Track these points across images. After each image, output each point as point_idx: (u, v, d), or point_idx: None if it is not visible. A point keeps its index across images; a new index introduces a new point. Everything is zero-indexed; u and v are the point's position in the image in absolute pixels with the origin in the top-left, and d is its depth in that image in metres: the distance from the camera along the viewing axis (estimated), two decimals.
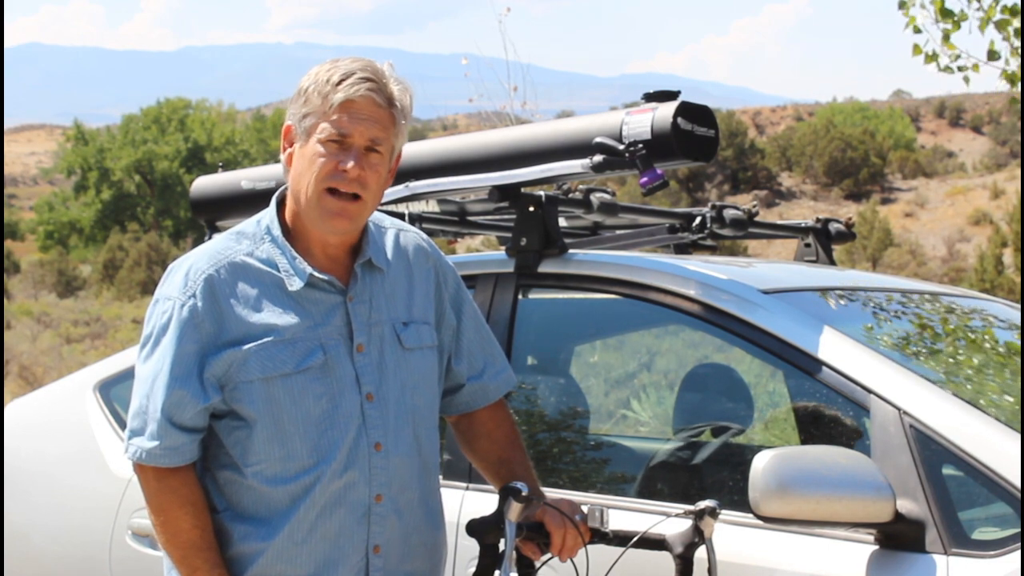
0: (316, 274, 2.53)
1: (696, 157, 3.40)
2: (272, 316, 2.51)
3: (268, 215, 2.60)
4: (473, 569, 2.62)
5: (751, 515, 2.78)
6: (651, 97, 3.46)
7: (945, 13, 8.05)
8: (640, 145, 3.33)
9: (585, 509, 2.64)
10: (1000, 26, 7.99)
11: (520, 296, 3.60)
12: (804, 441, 3.47)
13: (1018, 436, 2.81)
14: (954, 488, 2.82)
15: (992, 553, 2.69)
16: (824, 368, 3.06)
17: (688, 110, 3.37)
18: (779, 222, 4.61)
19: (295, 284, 2.52)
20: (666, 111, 3.35)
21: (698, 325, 3.39)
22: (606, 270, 3.50)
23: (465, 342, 2.75)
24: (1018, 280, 23.55)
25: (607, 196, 4.01)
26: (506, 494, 2.56)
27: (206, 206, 4.50)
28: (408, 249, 2.69)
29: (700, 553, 2.59)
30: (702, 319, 3.30)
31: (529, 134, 3.71)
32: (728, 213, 4.19)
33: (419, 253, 2.70)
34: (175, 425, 2.48)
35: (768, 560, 2.90)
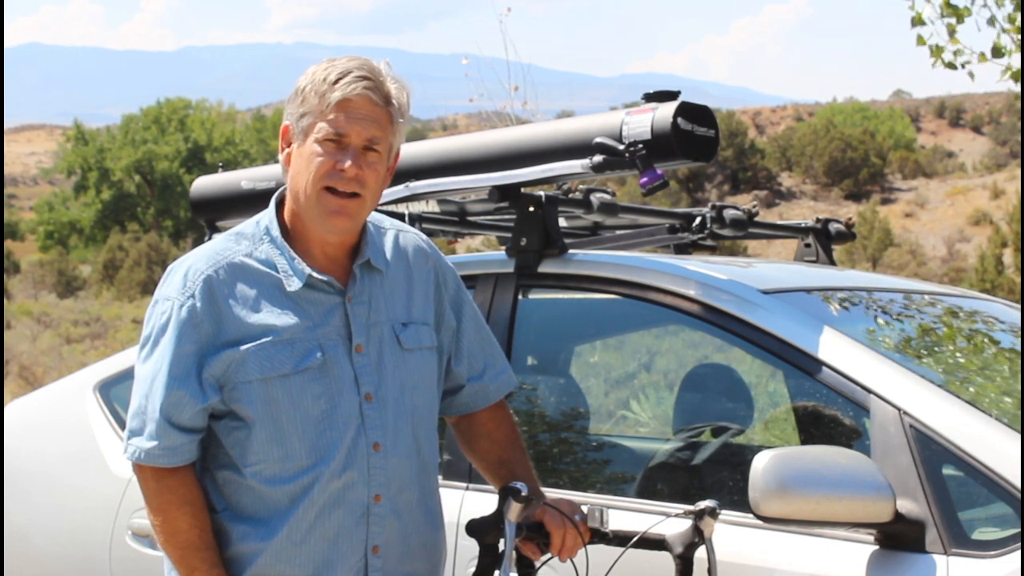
0: (315, 275, 2.53)
1: (696, 157, 3.40)
2: (271, 316, 2.50)
3: (267, 216, 2.60)
4: (473, 569, 2.62)
5: (751, 515, 2.78)
6: (651, 97, 3.46)
7: (950, 6, 8.05)
8: (640, 145, 3.33)
9: (585, 509, 2.64)
10: (1008, 20, 7.99)
11: (520, 296, 3.60)
12: (804, 441, 3.47)
13: (1018, 436, 2.81)
14: (954, 488, 2.82)
15: (992, 553, 2.69)
16: (824, 368, 3.06)
17: (688, 110, 3.37)
18: (779, 222, 4.61)
19: (294, 285, 2.52)
20: (666, 111, 3.35)
21: (698, 325, 3.39)
22: (606, 270, 3.50)
23: (465, 343, 2.74)
24: (1018, 280, 23.55)
25: (607, 196, 4.01)
26: (506, 494, 2.56)
27: (206, 206, 4.50)
28: (408, 250, 2.69)
29: (700, 553, 2.59)
30: (702, 319, 3.30)
31: (529, 134, 3.71)
32: (728, 213, 4.19)
33: (419, 254, 2.70)
34: (174, 425, 2.48)
35: (768, 560, 2.90)
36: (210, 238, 4.37)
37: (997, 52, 8.12)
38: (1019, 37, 8.00)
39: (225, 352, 2.48)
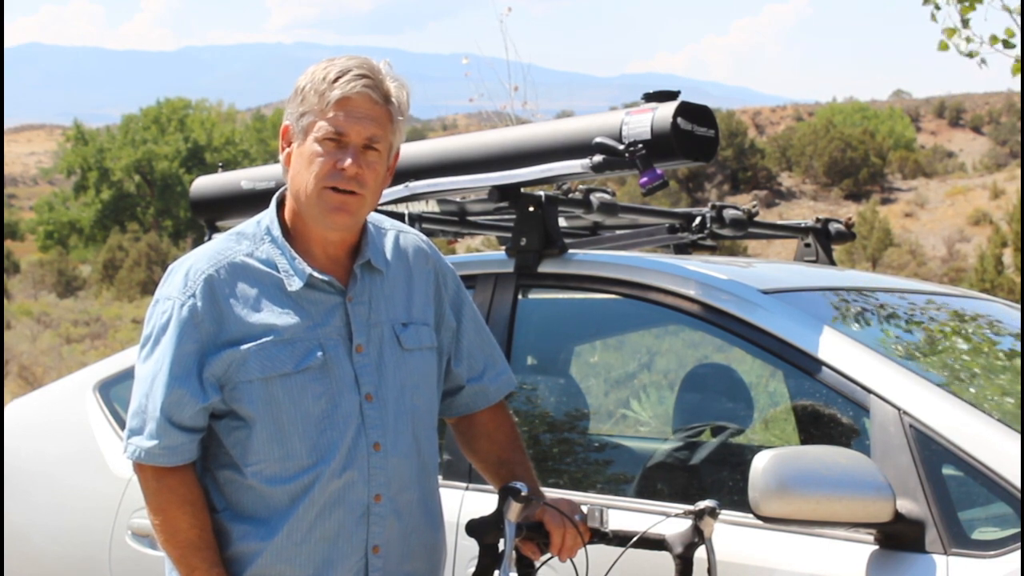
0: (315, 274, 2.53)
1: (696, 157, 3.40)
2: (271, 316, 2.50)
3: (268, 216, 2.60)
4: (473, 569, 2.62)
5: (751, 515, 2.78)
6: (651, 97, 3.46)
7: None
8: (640, 145, 3.33)
9: (585, 509, 2.64)
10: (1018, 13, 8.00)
11: (520, 296, 3.59)
12: (804, 441, 3.47)
13: (1018, 436, 2.81)
14: (954, 488, 2.82)
15: (992, 553, 2.69)
16: (824, 368, 3.06)
17: (688, 110, 3.37)
18: (779, 222, 4.61)
19: (294, 284, 2.52)
20: (666, 111, 3.35)
21: (698, 325, 3.39)
22: (606, 270, 3.50)
23: (465, 343, 2.75)
24: (1018, 280, 23.55)
25: (607, 196, 4.00)
26: (506, 494, 2.56)
27: (206, 206, 4.50)
28: (408, 251, 2.69)
29: (700, 553, 2.59)
30: (702, 319, 3.30)
31: (529, 134, 3.71)
32: (728, 213, 4.19)
33: (419, 255, 2.70)
34: (174, 424, 2.48)
35: (768, 560, 2.90)
36: (210, 238, 4.38)
37: (1007, 43, 8.13)
38: (1020, 30, 8.01)
39: (226, 352, 2.48)
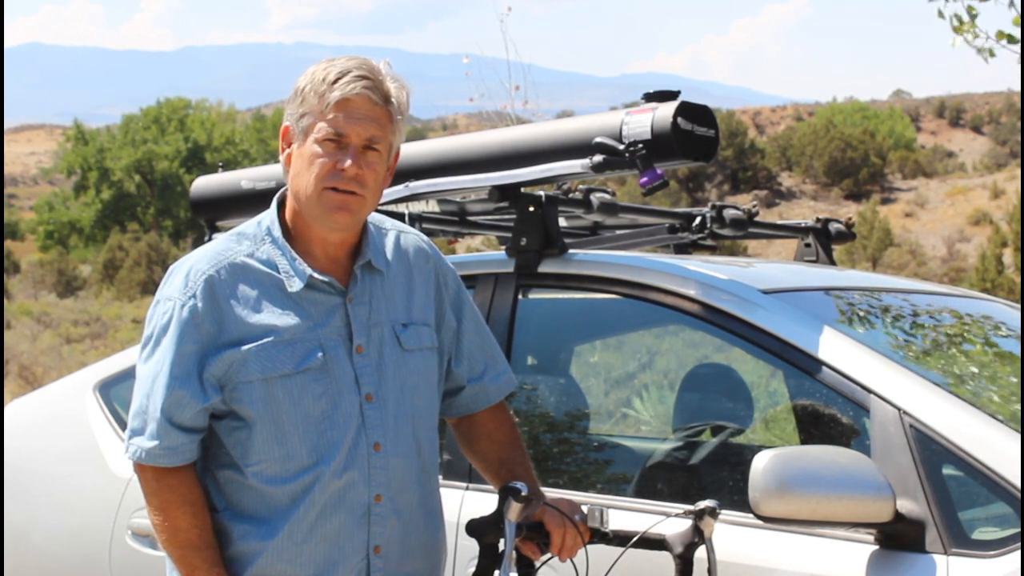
0: (316, 275, 2.53)
1: (696, 157, 3.39)
2: (272, 317, 2.51)
3: (269, 216, 2.60)
4: (473, 569, 2.62)
5: (751, 515, 2.78)
6: (651, 97, 3.46)
7: None
8: (640, 145, 3.33)
9: (585, 509, 2.64)
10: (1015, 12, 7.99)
11: (520, 296, 3.59)
12: (804, 441, 3.47)
13: (1018, 436, 2.81)
14: (954, 488, 2.82)
15: (992, 553, 2.69)
16: (824, 368, 3.06)
17: (688, 110, 3.37)
18: (779, 222, 4.61)
19: (295, 285, 2.52)
20: (666, 111, 3.35)
21: (698, 325, 3.39)
22: (606, 270, 3.50)
23: (466, 344, 2.75)
24: (1018, 280, 23.54)
25: (607, 196, 4.00)
26: (506, 494, 2.56)
27: (206, 206, 4.50)
28: (408, 251, 2.69)
29: (700, 553, 2.59)
30: (702, 319, 3.30)
31: (529, 134, 3.71)
32: (728, 213, 4.19)
33: (419, 255, 2.70)
34: (175, 425, 2.48)
35: (768, 560, 2.90)
36: (210, 238, 4.38)
37: (1012, 39, 8.12)
38: (1022, 25, 8.00)
39: (226, 352, 2.48)
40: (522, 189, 3.66)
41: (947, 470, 2.85)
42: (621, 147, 3.36)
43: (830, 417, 3.18)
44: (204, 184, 4.55)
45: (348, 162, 2.48)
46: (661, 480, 3.64)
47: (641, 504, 3.21)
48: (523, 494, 2.55)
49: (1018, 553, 2.66)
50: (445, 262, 2.76)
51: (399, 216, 3.93)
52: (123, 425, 3.98)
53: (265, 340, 2.49)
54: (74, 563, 3.98)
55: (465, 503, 3.28)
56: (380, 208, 3.89)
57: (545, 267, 3.57)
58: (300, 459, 2.50)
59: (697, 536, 2.57)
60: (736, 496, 3.11)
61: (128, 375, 4.06)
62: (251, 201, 4.24)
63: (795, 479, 2.68)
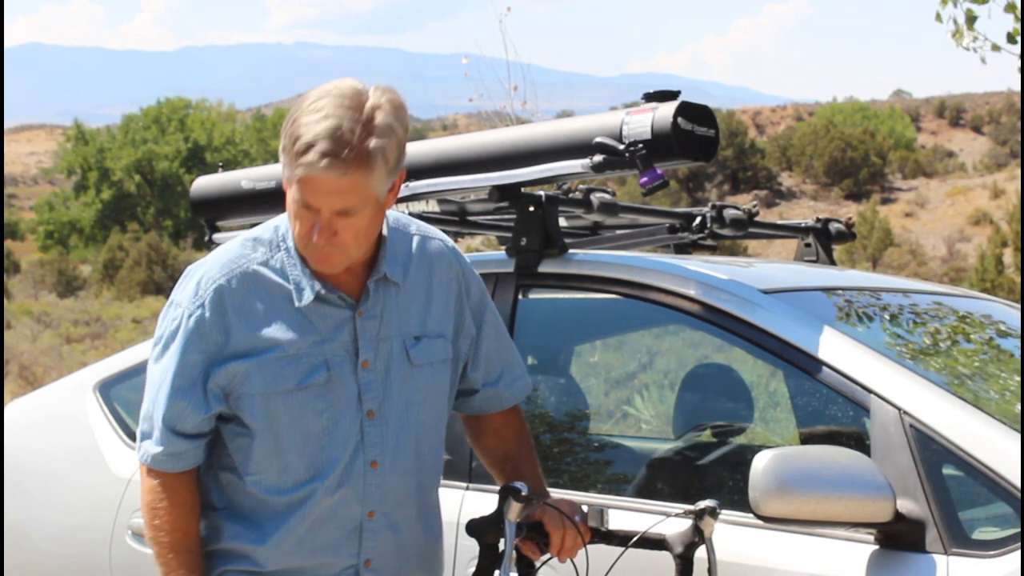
0: (323, 291, 2.49)
1: (696, 157, 3.39)
2: (278, 331, 2.49)
3: (286, 222, 2.55)
4: (473, 569, 2.62)
5: (751, 515, 2.78)
6: (651, 97, 3.46)
7: None
8: (640, 145, 3.33)
9: (585, 509, 2.64)
10: (1010, 8, 7.98)
11: (520, 296, 3.59)
12: (804, 441, 3.46)
13: (1018, 436, 2.81)
14: (954, 488, 2.82)
15: (992, 553, 2.69)
16: (824, 368, 3.06)
17: (688, 110, 3.36)
18: (779, 222, 4.60)
19: (304, 299, 2.49)
20: (666, 111, 3.35)
21: (698, 325, 3.39)
22: (606, 270, 3.49)
23: (483, 350, 2.71)
24: (1018, 280, 23.54)
25: (607, 196, 4.00)
26: (506, 494, 2.56)
27: (206, 206, 4.50)
28: (431, 258, 2.63)
29: (700, 553, 2.59)
30: (702, 319, 3.30)
31: (529, 134, 3.71)
32: (728, 213, 4.19)
33: (442, 262, 2.64)
34: (177, 433, 2.49)
35: (768, 560, 2.89)
36: (210, 238, 4.38)
37: (1011, 39, 8.11)
38: (1022, 26, 7.99)
39: (231, 364, 2.47)
40: (522, 189, 3.66)
41: (947, 470, 2.85)
42: (621, 147, 3.36)
43: (830, 417, 3.18)
44: (204, 184, 4.54)
45: (316, 237, 2.41)
46: (661, 480, 3.64)
47: (641, 504, 3.21)
48: (523, 494, 2.55)
49: (1018, 553, 2.66)
50: (469, 268, 2.70)
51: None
52: (123, 425, 3.98)
53: (269, 355, 2.47)
54: (74, 563, 3.98)
55: (465, 503, 3.28)
56: None
57: (545, 267, 3.57)
58: (297, 473, 2.50)
59: (697, 536, 2.57)
60: (736, 496, 3.10)
61: (128, 375, 4.06)
62: (251, 201, 4.24)
63: (795, 479, 2.68)
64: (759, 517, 2.74)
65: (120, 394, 4.08)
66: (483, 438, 2.79)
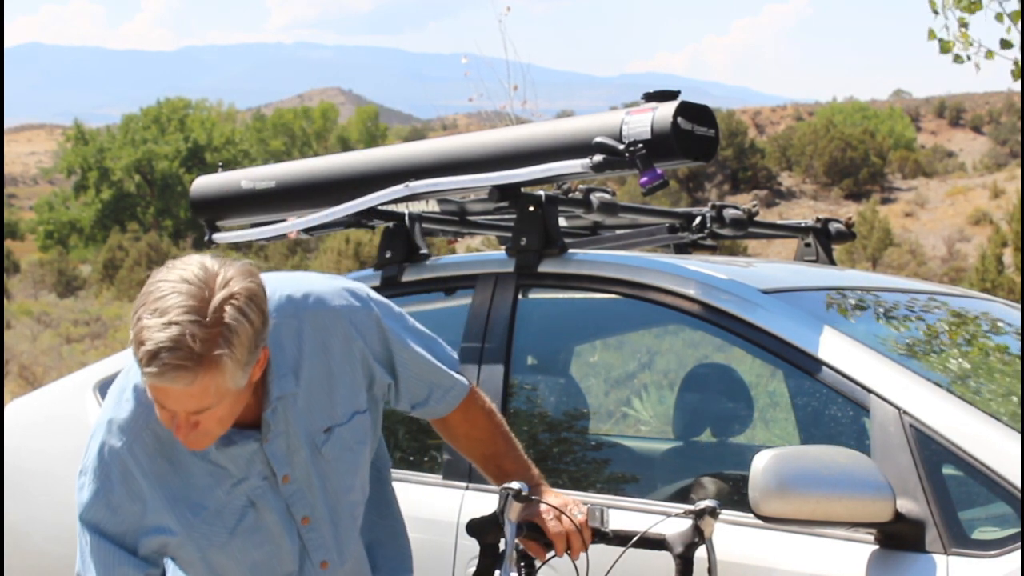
0: (222, 441, 2.41)
1: (696, 157, 3.39)
2: (194, 489, 2.44)
3: None
4: (473, 569, 2.62)
5: (751, 515, 2.78)
6: (651, 97, 3.46)
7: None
8: (640, 145, 3.32)
9: (585, 509, 2.64)
10: (1013, 18, 7.97)
11: (520, 296, 3.59)
12: (804, 441, 3.46)
13: (1018, 436, 2.81)
14: (954, 488, 2.82)
15: (992, 553, 2.69)
16: (824, 368, 3.06)
17: (688, 110, 3.36)
18: (779, 222, 4.60)
19: (208, 452, 2.42)
20: (666, 111, 3.35)
21: (698, 325, 3.39)
22: (606, 270, 3.49)
23: (404, 387, 2.65)
24: (1018, 280, 23.55)
25: (607, 196, 4.00)
26: (506, 494, 2.56)
27: (206, 206, 4.49)
28: (324, 338, 2.50)
29: (700, 553, 2.59)
30: (702, 319, 3.30)
31: (529, 134, 3.71)
32: (728, 213, 4.18)
33: (336, 337, 2.51)
34: None
35: (768, 560, 2.89)
36: (210, 238, 4.38)
37: (1005, 44, 8.09)
38: (1020, 32, 7.98)
39: (158, 536, 2.44)
40: (522, 189, 3.66)
41: (947, 470, 2.85)
42: (621, 147, 3.36)
43: (830, 417, 3.18)
44: (204, 184, 4.54)
45: (176, 432, 2.32)
46: (661, 480, 3.64)
47: (641, 504, 3.21)
48: (523, 494, 2.55)
49: (1018, 553, 2.66)
50: (368, 324, 2.55)
51: (399, 216, 3.93)
52: None
53: (194, 519, 2.44)
54: (74, 563, 3.97)
55: (465, 503, 3.28)
56: (380, 208, 3.89)
57: (545, 267, 3.57)
58: None
59: (697, 536, 2.57)
60: (736, 496, 3.10)
61: None
62: (251, 201, 4.24)
63: (795, 479, 2.68)
64: (759, 517, 2.74)
65: None
66: (457, 443, 2.78)
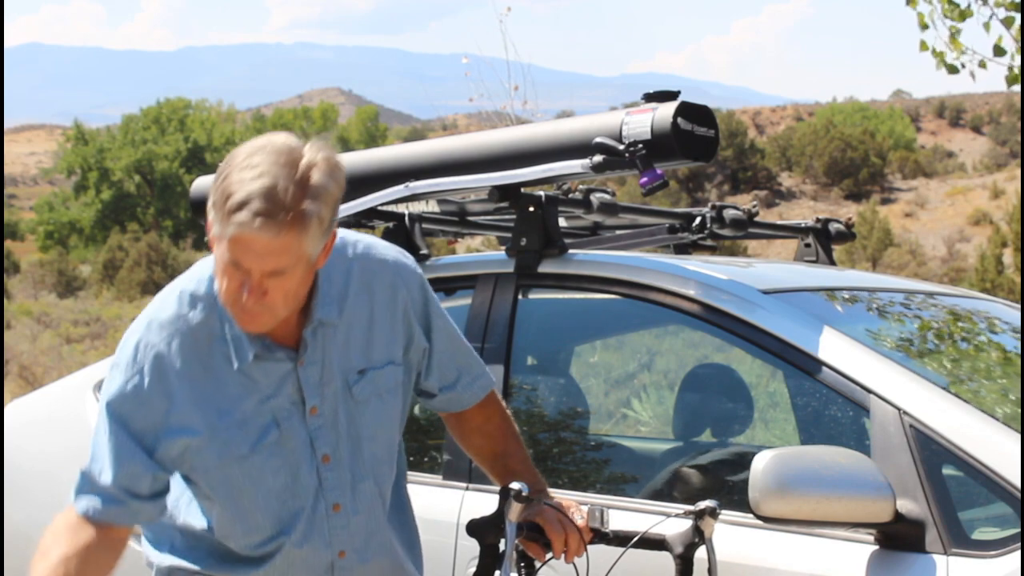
0: (259, 351, 2.43)
1: (696, 157, 3.39)
2: (223, 395, 2.44)
3: None
4: (473, 569, 2.62)
5: (751, 515, 2.78)
6: (651, 97, 3.46)
7: (952, 7, 7.98)
8: (640, 145, 3.33)
9: (585, 509, 2.64)
10: (1005, 23, 7.96)
11: (520, 296, 3.59)
12: (804, 441, 3.46)
13: (1018, 436, 2.81)
14: (954, 488, 2.82)
15: (992, 553, 2.69)
16: (824, 368, 3.06)
17: (688, 110, 3.36)
18: (779, 222, 4.60)
19: (244, 360, 2.43)
20: (666, 111, 3.35)
21: (698, 325, 3.39)
22: (606, 270, 3.50)
23: (436, 359, 2.66)
24: (1018, 280, 23.55)
25: (607, 196, 4.00)
26: (506, 494, 2.56)
27: (206, 206, 4.50)
28: (370, 282, 2.53)
29: (700, 553, 2.59)
30: (702, 319, 3.30)
31: (529, 134, 3.71)
32: (728, 213, 4.19)
33: (382, 283, 2.54)
34: (131, 494, 2.46)
35: (768, 560, 2.90)
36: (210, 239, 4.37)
37: (998, 51, 8.08)
38: (1019, 37, 7.98)
39: (180, 437, 2.43)
40: (522, 189, 3.66)
41: (947, 470, 2.85)
42: (621, 147, 3.36)
43: (830, 417, 3.18)
44: (204, 184, 4.54)
45: (245, 296, 2.32)
46: (661, 480, 3.64)
47: (641, 504, 3.21)
48: (524, 494, 2.55)
49: (1018, 553, 2.66)
50: (413, 281, 2.60)
51: (398, 216, 3.94)
52: None
53: (218, 424, 2.43)
54: None
55: (465, 503, 3.28)
56: (380, 208, 3.90)
57: (545, 267, 3.57)
58: (263, 531, 2.51)
59: (697, 536, 2.57)
60: (736, 496, 3.11)
61: None
62: None
63: (795, 479, 2.68)
64: (759, 517, 2.74)
65: None
66: (467, 438, 2.78)
